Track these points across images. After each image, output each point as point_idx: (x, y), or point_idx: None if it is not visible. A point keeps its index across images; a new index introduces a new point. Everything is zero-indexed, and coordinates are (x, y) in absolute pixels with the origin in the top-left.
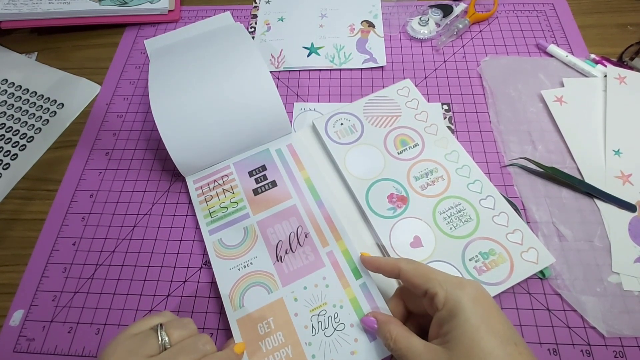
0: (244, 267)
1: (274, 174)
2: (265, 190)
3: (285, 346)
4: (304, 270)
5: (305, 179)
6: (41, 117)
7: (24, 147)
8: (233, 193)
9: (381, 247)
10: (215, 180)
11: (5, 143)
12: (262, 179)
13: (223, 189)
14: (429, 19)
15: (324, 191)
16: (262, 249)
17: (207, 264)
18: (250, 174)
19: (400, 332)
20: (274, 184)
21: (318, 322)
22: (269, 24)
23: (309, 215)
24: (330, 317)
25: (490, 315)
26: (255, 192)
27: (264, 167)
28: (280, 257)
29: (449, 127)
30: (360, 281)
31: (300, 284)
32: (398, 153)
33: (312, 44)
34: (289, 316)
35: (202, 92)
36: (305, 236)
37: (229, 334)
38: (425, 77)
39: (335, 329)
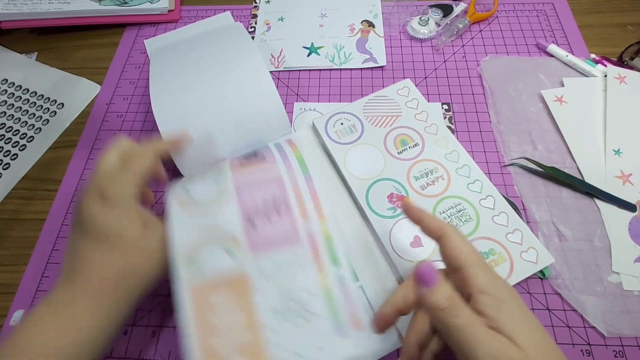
0: (209, 226)
1: (265, 153)
2: (251, 160)
3: (243, 329)
4: (277, 242)
5: (297, 156)
6: (41, 117)
7: (24, 147)
8: None
9: (382, 250)
10: None
11: (5, 143)
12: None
13: None
14: (429, 19)
15: (315, 170)
16: (232, 209)
17: None
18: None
19: (463, 305)
20: (262, 157)
21: (287, 309)
22: (269, 23)
23: (293, 186)
24: (300, 305)
25: (527, 308)
26: (241, 164)
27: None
28: (252, 221)
29: (449, 127)
30: (336, 269)
31: (270, 259)
32: (398, 153)
33: (312, 43)
34: (252, 295)
35: (202, 92)
36: (286, 207)
37: None
38: (425, 77)
39: (304, 319)
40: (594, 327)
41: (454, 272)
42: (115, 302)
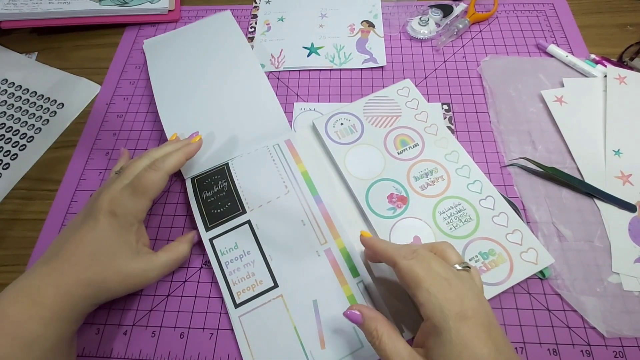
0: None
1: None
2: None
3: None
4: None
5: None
6: (41, 117)
7: (24, 147)
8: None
9: None
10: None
11: (5, 143)
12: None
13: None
14: (429, 19)
15: (322, 187)
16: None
17: (207, 264)
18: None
19: (387, 332)
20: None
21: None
22: (269, 24)
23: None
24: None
25: (477, 336)
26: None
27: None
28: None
29: (449, 127)
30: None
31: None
32: (398, 153)
33: (312, 44)
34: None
35: (203, 99)
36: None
37: (230, 335)
38: (425, 77)
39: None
40: (594, 328)
41: (412, 296)
42: (79, 306)
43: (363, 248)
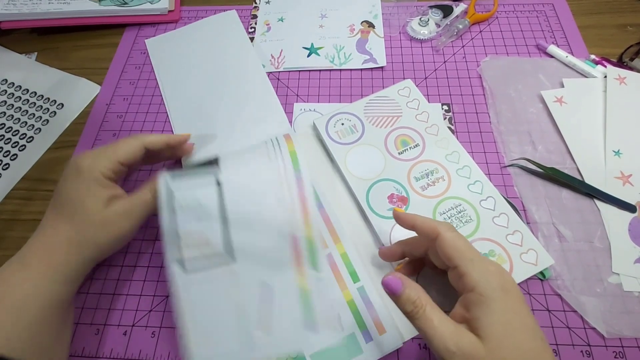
0: None
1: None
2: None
3: None
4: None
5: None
6: (41, 117)
7: (23, 147)
8: None
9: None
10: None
11: (5, 143)
12: None
13: None
14: (429, 20)
15: (324, 192)
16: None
17: None
18: None
19: (431, 304)
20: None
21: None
22: (269, 24)
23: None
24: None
25: (520, 308)
26: None
27: None
28: None
29: (449, 128)
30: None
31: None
32: (399, 153)
33: (312, 44)
34: None
35: (208, 100)
36: None
37: None
38: (425, 78)
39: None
40: (594, 328)
41: (453, 268)
42: (64, 265)
43: (365, 253)
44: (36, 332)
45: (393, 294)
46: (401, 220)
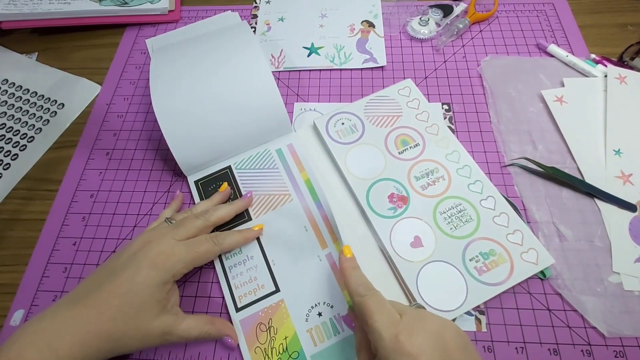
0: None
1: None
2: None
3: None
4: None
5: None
6: (41, 117)
7: (24, 147)
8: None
9: (382, 249)
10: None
11: (6, 143)
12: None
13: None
14: (429, 19)
15: (323, 193)
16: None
17: (208, 263)
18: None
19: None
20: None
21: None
22: (269, 24)
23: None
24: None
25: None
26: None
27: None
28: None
29: (449, 127)
30: None
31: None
32: (399, 153)
33: (312, 44)
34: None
35: (204, 91)
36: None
37: None
38: (426, 77)
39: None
40: (594, 328)
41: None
42: (95, 354)
43: (365, 252)
44: None
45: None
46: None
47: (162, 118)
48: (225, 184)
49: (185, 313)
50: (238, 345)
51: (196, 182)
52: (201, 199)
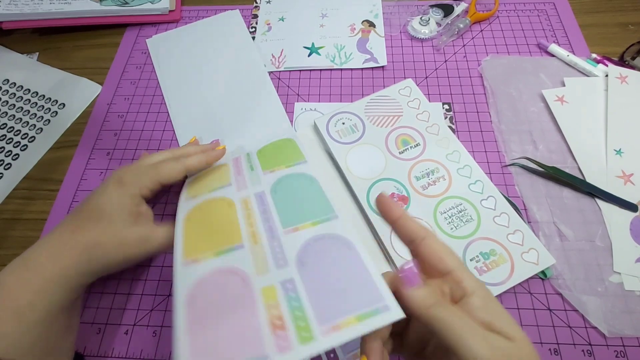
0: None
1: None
2: None
3: None
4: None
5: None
6: (42, 117)
7: (25, 147)
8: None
9: (383, 249)
10: None
11: (7, 143)
12: None
13: None
14: (429, 19)
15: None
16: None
17: None
18: None
19: (450, 303)
20: None
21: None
22: (269, 23)
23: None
24: None
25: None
26: None
27: None
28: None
29: (449, 127)
30: None
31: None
32: (399, 153)
33: (312, 43)
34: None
35: (210, 99)
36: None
37: None
38: (426, 77)
39: None
40: (595, 327)
41: (435, 276)
42: (72, 270)
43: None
44: (38, 337)
45: (411, 284)
46: (384, 206)
47: (177, 124)
48: (194, 137)
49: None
50: None
51: None
52: None
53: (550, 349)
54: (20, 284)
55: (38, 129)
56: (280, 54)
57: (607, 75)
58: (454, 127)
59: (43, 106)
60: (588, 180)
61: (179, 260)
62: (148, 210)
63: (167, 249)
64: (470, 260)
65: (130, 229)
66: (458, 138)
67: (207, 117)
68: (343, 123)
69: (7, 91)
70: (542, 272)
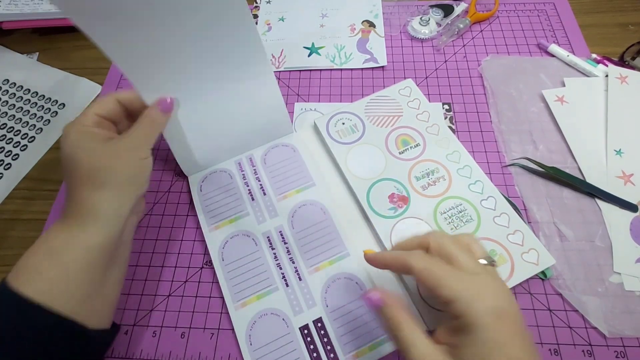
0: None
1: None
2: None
3: None
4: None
5: None
6: (42, 117)
7: (25, 147)
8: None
9: (383, 249)
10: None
11: (7, 143)
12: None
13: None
14: (429, 19)
15: (323, 191)
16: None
17: (208, 263)
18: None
19: (408, 322)
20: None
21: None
22: (269, 24)
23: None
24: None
25: (513, 337)
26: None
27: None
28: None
29: (449, 127)
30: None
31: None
32: (399, 153)
33: (312, 44)
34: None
35: (204, 92)
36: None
37: (231, 335)
38: (426, 77)
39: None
40: (595, 328)
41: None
42: (98, 208)
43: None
44: (74, 278)
45: (375, 309)
46: (372, 262)
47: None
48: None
49: None
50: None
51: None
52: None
53: (550, 350)
54: (52, 231)
55: (38, 129)
56: (280, 54)
57: (607, 76)
58: (454, 127)
59: (43, 106)
60: (588, 180)
61: None
62: (111, 132)
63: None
64: None
65: (110, 143)
66: (458, 138)
67: (204, 114)
68: (343, 123)
69: (7, 91)
70: (542, 272)
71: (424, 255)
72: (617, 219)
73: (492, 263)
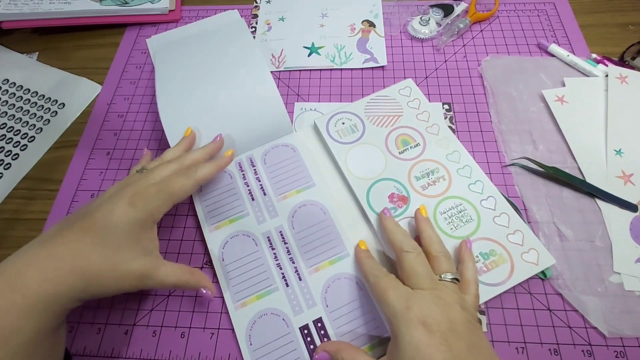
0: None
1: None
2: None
3: None
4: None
5: None
6: (42, 117)
7: (25, 147)
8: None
9: (383, 249)
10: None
11: (7, 143)
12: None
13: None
14: (429, 19)
15: (324, 191)
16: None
17: (208, 263)
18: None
19: (350, 355)
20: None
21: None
22: (269, 23)
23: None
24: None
25: (437, 345)
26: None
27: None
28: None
29: (449, 127)
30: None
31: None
32: (399, 153)
33: (312, 43)
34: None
35: (205, 93)
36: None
37: (230, 334)
38: (426, 77)
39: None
40: (595, 328)
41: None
42: (64, 297)
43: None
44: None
45: None
46: (355, 256)
47: (166, 121)
48: (190, 128)
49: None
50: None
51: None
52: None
53: (550, 349)
54: (5, 305)
55: (38, 129)
56: (280, 54)
57: (607, 76)
58: (454, 127)
59: (43, 106)
60: (588, 180)
61: None
62: (156, 239)
63: (166, 288)
64: None
65: (134, 262)
66: (458, 138)
67: (203, 114)
68: (343, 123)
69: (7, 91)
70: (542, 272)
71: (381, 269)
72: (617, 219)
73: (454, 280)
